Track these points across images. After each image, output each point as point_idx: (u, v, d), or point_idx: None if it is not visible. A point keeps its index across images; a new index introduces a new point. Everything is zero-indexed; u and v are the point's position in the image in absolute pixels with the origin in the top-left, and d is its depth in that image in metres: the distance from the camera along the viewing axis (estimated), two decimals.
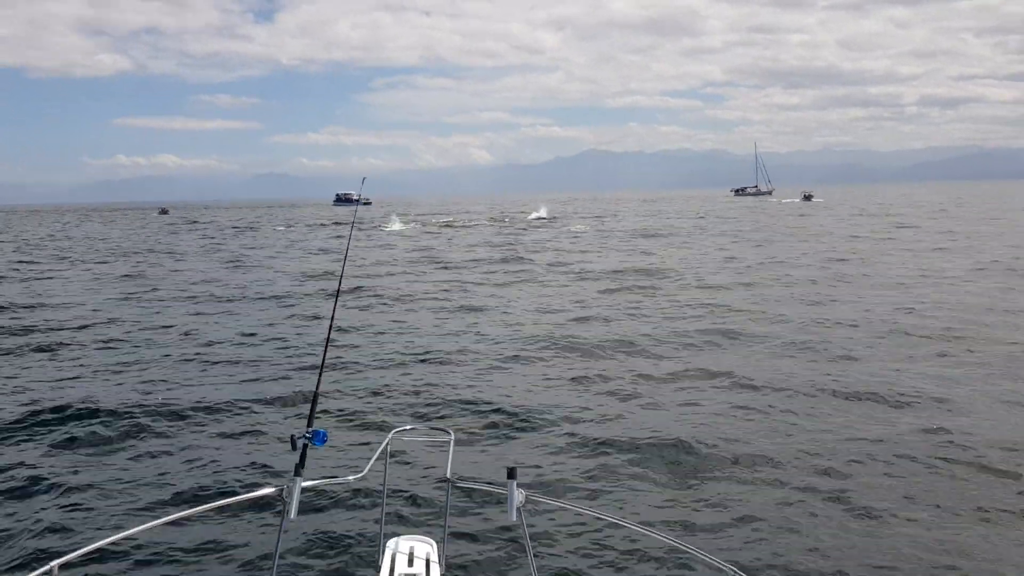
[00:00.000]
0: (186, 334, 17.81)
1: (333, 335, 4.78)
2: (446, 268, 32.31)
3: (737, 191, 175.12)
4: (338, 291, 5.11)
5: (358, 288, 24.78)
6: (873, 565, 6.69)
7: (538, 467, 9.09)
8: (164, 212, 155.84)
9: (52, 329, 18.63)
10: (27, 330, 18.61)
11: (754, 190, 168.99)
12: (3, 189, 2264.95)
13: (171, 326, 18.91)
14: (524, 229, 62.24)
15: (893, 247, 36.57)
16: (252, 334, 17.63)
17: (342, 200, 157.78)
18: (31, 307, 22.60)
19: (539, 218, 79.29)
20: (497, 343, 16.09)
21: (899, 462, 8.81)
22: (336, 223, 79.36)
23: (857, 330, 16.32)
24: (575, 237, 50.73)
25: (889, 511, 7.61)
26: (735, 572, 3.26)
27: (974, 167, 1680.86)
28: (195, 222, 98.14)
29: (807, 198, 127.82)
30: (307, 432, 3.73)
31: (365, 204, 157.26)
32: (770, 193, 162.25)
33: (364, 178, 6.24)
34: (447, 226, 69.32)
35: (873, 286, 22.84)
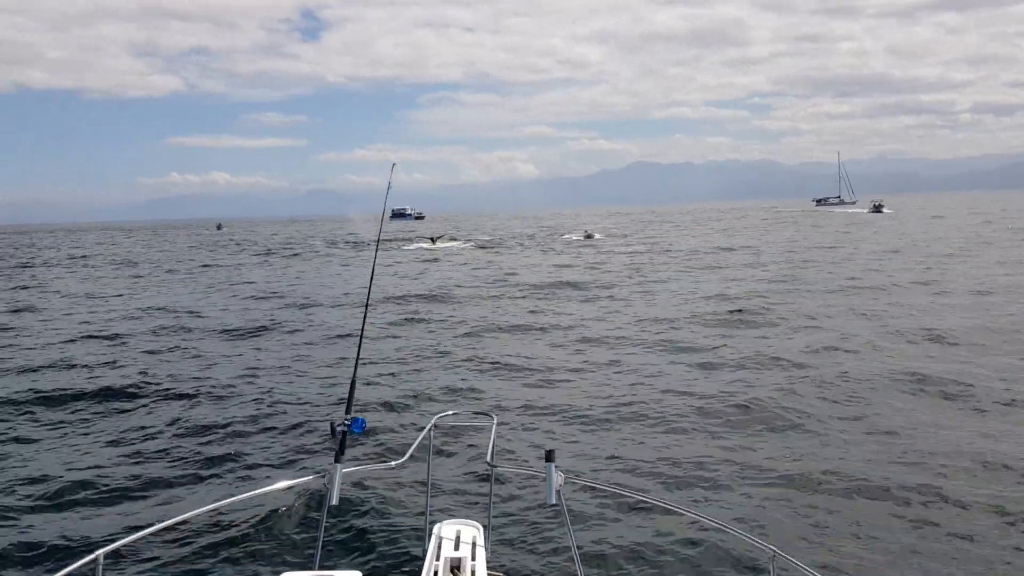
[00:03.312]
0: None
1: None
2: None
3: (819, 201, 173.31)
4: (367, 300, 5.51)
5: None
6: None
7: None
8: (220, 228, 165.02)
9: None
10: None
11: (837, 200, 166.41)
12: (60, 208, 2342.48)
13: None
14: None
15: None
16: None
17: (397, 215, 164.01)
18: None
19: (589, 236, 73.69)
20: None
21: None
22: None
23: None
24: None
25: None
26: (774, 552, 3.20)
27: None
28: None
29: (877, 208, 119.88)
30: (346, 419, 3.82)
31: (418, 218, 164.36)
32: (854, 203, 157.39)
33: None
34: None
35: None
